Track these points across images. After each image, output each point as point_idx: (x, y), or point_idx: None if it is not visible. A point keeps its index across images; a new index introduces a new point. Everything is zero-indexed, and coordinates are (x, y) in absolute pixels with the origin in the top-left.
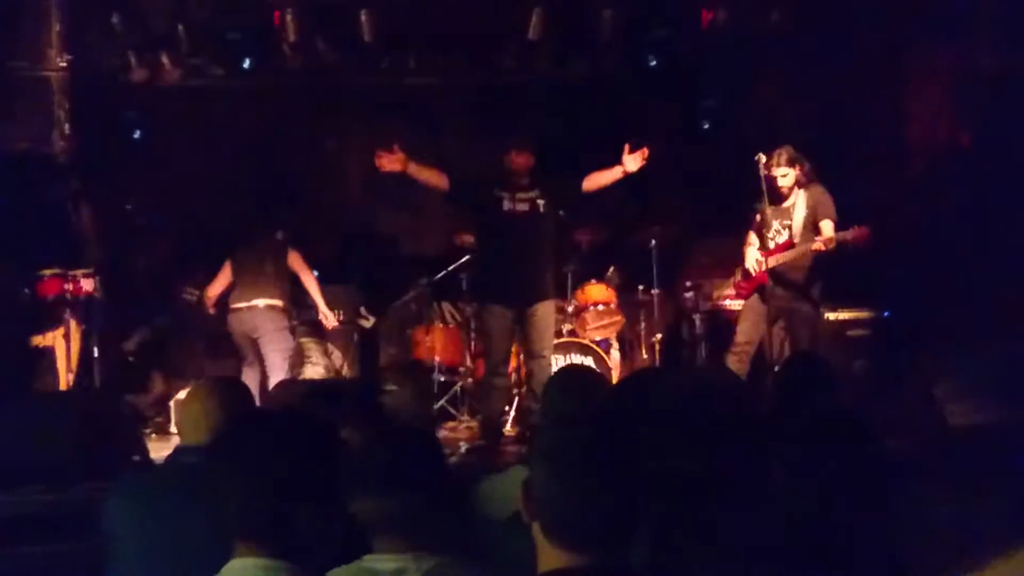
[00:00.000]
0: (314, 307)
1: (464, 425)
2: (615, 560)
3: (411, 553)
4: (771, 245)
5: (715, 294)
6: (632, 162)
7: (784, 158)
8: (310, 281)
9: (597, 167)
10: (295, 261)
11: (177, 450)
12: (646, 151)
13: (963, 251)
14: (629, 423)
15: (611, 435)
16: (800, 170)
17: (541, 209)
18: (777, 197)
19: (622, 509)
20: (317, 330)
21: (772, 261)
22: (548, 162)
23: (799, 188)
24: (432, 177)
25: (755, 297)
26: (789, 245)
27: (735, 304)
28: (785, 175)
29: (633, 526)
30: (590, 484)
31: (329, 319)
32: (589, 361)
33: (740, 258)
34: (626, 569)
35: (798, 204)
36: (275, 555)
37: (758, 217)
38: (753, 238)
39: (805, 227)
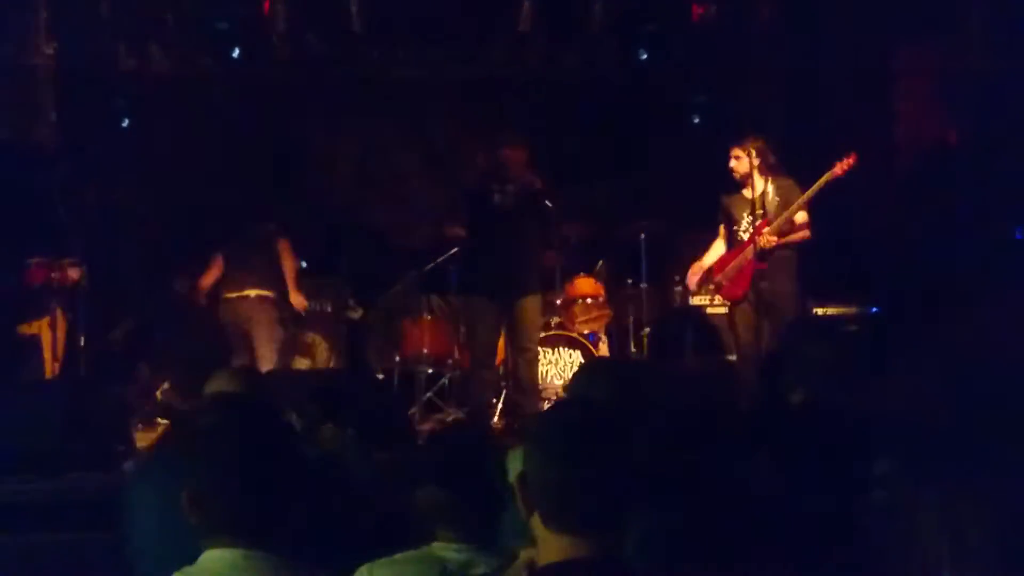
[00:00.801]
0: (282, 288)
1: (451, 418)
2: (614, 547)
3: (477, 545)
4: (745, 237)
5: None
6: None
7: (747, 143)
8: (289, 266)
9: (585, 161)
10: (283, 250)
11: None
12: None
13: (951, 248)
14: (618, 405)
15: (599, 414)
16: (761, 159)
17: (530, 206)
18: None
19: (616, 485)
20: (306, 321)
21: (775, 228)
22: (537, 155)
23: (760, 176)
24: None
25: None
26: (766, 225)
27: (715, 302)
28: (738, 158)
29: (629, 506)
30: (583, 461)
31: (298, 301)
32: (577, 354)
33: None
34: (625, 560)
35: (768, 192)
36: (251, 545)
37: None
38: (721, 245)
39: (779, 212)
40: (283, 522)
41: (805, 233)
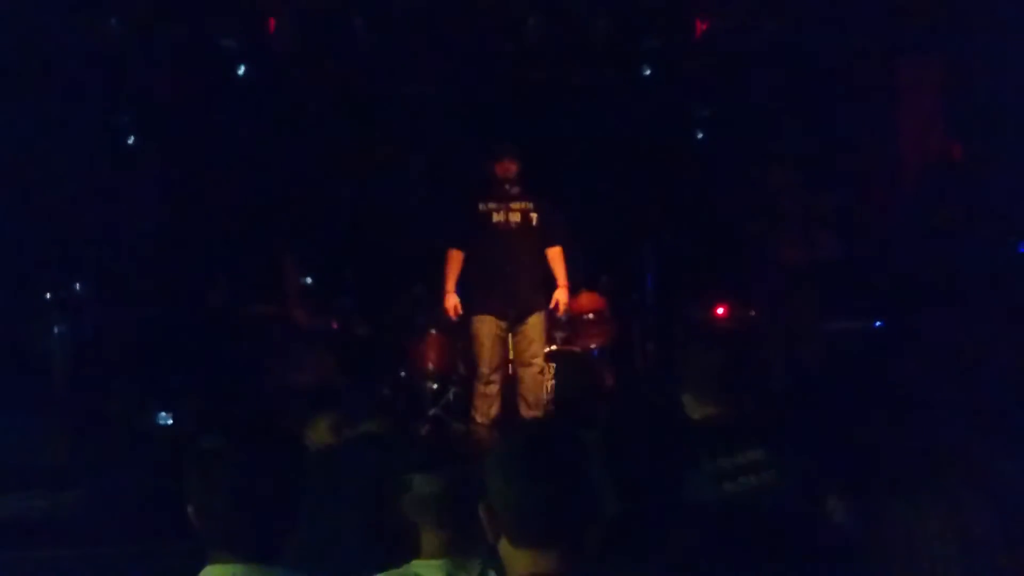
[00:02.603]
0: (288, 303)
1: (458, 432)
2: (580, 560)
3: (456, 558)
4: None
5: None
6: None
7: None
8: (292, 283)
9: (588, 175)
10: (288, 266)
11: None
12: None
13: (955, 262)
14: (569, 425)
15: (552, 436)
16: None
17: (533, 222)
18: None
19: (575, 500)
20: (312, 337)
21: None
22: (540, 170)
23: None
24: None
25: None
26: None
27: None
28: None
29: (590, 519)
30: (539, 480)
31: (301, 317)
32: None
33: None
34: (588, 571)
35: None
36: (252, 560)
37: None
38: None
39: None
40: (283, 538)
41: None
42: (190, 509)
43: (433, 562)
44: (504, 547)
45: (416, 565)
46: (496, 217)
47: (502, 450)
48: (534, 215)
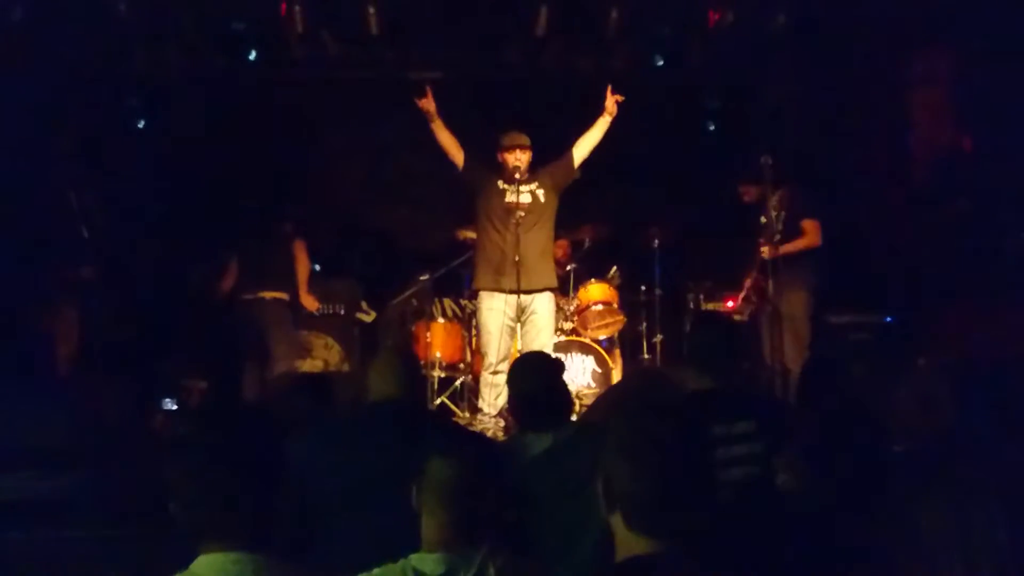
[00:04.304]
0: (297, 290)
1: (464, 421)
2: (690, 544)
3: (457, 551)
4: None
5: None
6: (611, 104)
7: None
8: (302, 268)
9: (599, 166)
10: (299, 251)
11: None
12: (617, 95)
13: (964, 256)
14: (698, 417)
15: (684, 429)
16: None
17: (542, 199)
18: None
19: (699, 499)
20: (319, 323)
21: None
22: (550, 159)
23: (770, 193)
24: (450, 144)
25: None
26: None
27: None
28: (747, 191)
29: (709, 512)
30: (671, 477)
31: (309, 302)
32: (590, 360)
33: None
34: (698, 553)
35: (776, 207)
36: (242, 548)
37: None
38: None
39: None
40: (272, 526)
41: (811, 240)
42: (172, 504)
43: (432, 556)
44: (617, 524)
45: (415, 559)
46: (509, 197)
47: (629, 432)
48: (540, 191)
